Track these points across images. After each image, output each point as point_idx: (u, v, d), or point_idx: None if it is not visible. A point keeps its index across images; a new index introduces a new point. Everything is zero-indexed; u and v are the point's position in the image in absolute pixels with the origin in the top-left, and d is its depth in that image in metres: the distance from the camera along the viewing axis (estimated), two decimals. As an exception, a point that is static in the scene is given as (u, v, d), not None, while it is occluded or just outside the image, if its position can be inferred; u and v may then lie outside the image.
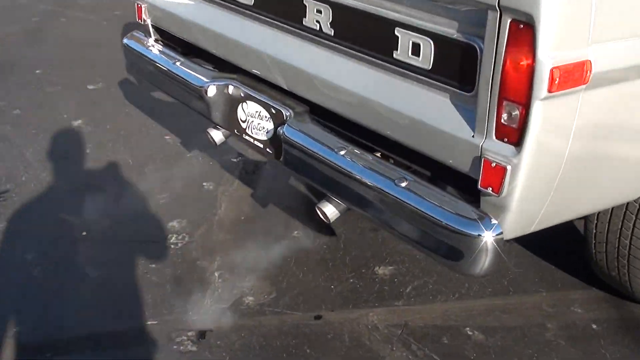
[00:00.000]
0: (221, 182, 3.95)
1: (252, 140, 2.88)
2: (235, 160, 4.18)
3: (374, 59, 2.34)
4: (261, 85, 2.88)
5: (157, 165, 4.08)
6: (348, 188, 2.38)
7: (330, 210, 2.56)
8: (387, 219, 2.26)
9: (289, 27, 2.67)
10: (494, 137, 2.00)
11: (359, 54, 2.39)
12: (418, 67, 2.21)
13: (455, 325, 2.88)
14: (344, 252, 3.32)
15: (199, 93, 3.05)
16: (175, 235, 3.45)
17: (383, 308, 2.98)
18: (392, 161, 2.43)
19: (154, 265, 3.22)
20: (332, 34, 2.49)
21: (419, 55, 2.20)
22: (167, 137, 4.45)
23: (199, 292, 3.06)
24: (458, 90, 2.12)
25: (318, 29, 2.54)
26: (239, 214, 3.63)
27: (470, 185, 2.14)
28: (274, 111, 2.73)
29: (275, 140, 2.75)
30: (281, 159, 2.72)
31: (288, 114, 2.68)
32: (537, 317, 2.92)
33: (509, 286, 3.12)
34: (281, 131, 2.64)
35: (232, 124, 2.97)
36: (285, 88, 2.73)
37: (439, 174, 2.34)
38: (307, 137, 2.55)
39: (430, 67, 2.18)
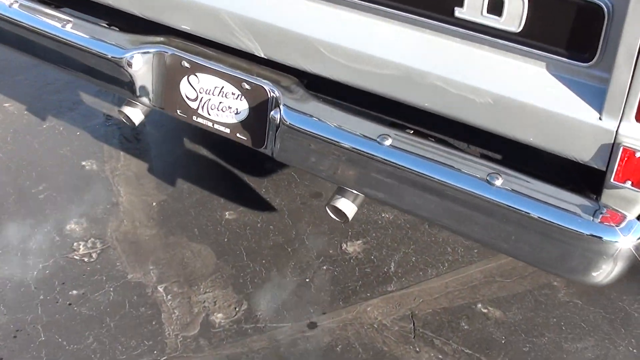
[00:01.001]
0: (104, 157, 3.14)
1: (209, 123, 2.21)
2: (107, 125, 3.35)
3: (433, 21, 1.78)
4: (211, 51, 2.17)
5: (8, 146, 3.14)
6: (409, 192, 1.86)
7: (348, 207, 2.02)
8: (476, 227, 1.79)
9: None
10: (635, 120, 1.58)
11: (412, 15, 1.81)
12: (500, 30, 1.69)
13: (465, 304, 2.54)
14: (297, 231, 2.77)
15: (116, 66, 2.27)
16: (82, 243, 2.67)
17: (378, 298, 2.55)
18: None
19: (74, 293, 2.46)
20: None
21: (500, 14, 1.68)
22: (7, 105, 3.45)
23: (152, 321, 2.38)
24: (567, 60, 1.65)
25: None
26: (147, 198, 2.90)
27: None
28: (247, 86, 2.08)
29: (253, 124, 2.12)
30: (266, 148, 2.10)
31: (272, 90, 2.04)
32: (539, 276, 2.65)
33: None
34: (275, 115, 2.01)
35: (172, 103, 2.27)
36: (262, 56, 2.06)
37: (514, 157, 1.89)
38: (324, 124, 1.95)
39: (519, 30, 1.67)
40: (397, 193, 1.90)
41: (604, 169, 1.66)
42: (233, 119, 2.16)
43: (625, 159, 1.61)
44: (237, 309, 2.46)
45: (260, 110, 2.09)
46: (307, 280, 2.60)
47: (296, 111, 1.99)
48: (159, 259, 2.65)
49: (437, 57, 1.81)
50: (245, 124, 2.14)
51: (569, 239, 1.68)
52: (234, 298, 2.51)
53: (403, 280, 2.63)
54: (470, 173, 1.77)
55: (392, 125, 1.97)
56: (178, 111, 2.26)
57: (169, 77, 2.23)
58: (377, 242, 2.79)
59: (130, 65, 2.24)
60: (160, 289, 2.52)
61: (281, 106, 2.01)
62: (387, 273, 2.66)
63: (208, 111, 2.20)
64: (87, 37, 2.36)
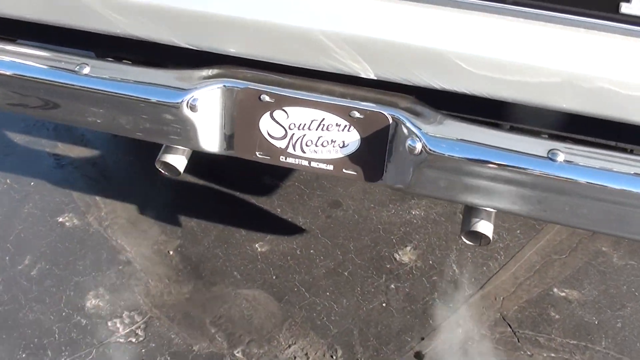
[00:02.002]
0: (80, 208, 2.68)
1: (305, 162, 1.92)
2: (61, 166, 2.86)
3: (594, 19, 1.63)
4: (293, 79, 1.87)
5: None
6: (587, 206, 1.72)
7: (488, 228, 1.88)
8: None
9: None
10: None
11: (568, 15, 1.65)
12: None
13: (542, 292, 2.50)
14: (341, 251, 2.58)
15: (174, 112, 1.89)
16: (118, 321, 2.27)
17: (462, 307, 2.42)
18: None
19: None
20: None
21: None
22: None
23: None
24: None
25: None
26: (159, 247, 2.54)
27: None
28: (358, 115, 1.82)
29: (366, 156, 1.86)
30: (383, 180, 1.86)
31: (394, 115, 1.79)
32: (587, 245, 2.64)
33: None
34: (414, 145, 1.75)
35: (249, 146, 1.95)
36: (372, 77, 1.80)
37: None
38: (481, 147, 1.74)
39: None
40: (574, 210, 1.76)
41: None
42: (338, 154, 1.88)
43: None
44: (333, 356, 2.20)
45: (376, 139, 1.84)
46: (384, 304, 2.40)
47: (441, 137, 1.75)
48: (217, 317, 2.31)
49: (602, 58, 1.66)
50: (354, 158, 1.88)
51: None
52: (322, 344, 2.26)
53: (474, 281, 2.51)
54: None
55: (552, 137, 1.80)
56: (258, 153, 1.93)
57: (244, 115, 1.89)
58: (425, 244, 2.63)
59: (193, 108, 1.87)
60: (239, 354, 2.19)
61: (417, 132, 1.76)
62: (455, 276, 2.52)
63: (302, 149, 1.89)
64: (122, 81, 1.93)
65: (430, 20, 1.72)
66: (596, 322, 2.40)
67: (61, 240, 2.56)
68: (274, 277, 2.47)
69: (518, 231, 2.73)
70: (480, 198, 1.83)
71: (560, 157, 1.71)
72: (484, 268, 2.57)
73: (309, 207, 2.76)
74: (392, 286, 2.47)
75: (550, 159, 1.71)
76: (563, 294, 2.49)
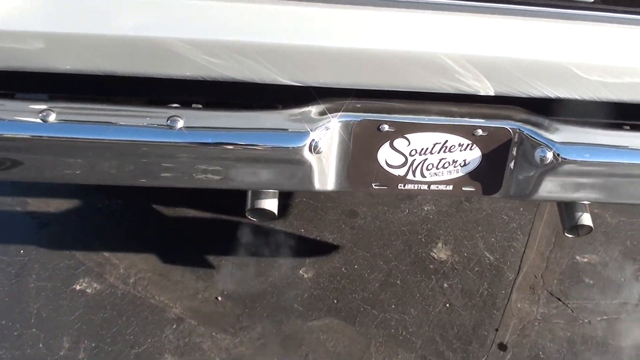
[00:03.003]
0: (93, 268, 2.46)
1: (424, 186, 1.95)
2: (42, 221, 2.62)
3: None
4: (407, 104, 1.89)
5: None
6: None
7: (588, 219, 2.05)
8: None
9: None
10: None
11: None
12: None
13: (567, 261, 2.76)
14: (382, 261, 2.63)
15: (295, 157, 1.83)
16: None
17: (514, 293, 2.57)
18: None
19: None
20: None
21: None
22: None
23: None
24: None
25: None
26: (203, 295, 2.46)
27: None
28: (482, 132, 1.88)
29: (487, 171, 1.93)
30: (501, 192, 1.95)
31: (517, 129, 1.88)
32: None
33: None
34: (544, 155, 1.85)
35: (365, 178, 1.93)
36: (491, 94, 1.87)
37: None
38: (607, 148, 1.89)
39: None
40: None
41: None
42: (459, 173, 1.93)
43: None
44: (429, 366, 2.27)
45: (497, 154, 1.90)
46: (447, 305, 2.49)
47: (570, 144, 1.86)
48: (303, 357, 2.25)
49: None
50: (474, 174, 1.94)
51: None
52: (414, 358, 2.29)
53: (510, 264, 2.67)
54: None
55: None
56: (374, 185, 1.92)
57: (361, 148, 1.86)
58: (452, 238, 2.75)
59: (316, 149, 1.81)
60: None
61: (547, 142, 1.86)
62: (492, 263, 2.67)
63: (422, 173, 1.92)
64: (231, 129, 1.81)
65: (547, 33, 1.81)
66: (622, 280, 2.67)
67: (92, 312, 2.32)
68: (335, 302, 2.45)
69: (521, 208, 2.92)
70: (598, 194, 1.96)
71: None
72: (512, 250, 2.74)
73: (329, 222, 2.74)
74: (445, 285, 2.56)
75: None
76: (585, 260, 2.73)
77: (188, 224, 2.68)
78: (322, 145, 1.81)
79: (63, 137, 1.73)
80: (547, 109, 1.93)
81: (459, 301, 2.51)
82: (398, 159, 1.89)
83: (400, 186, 1.94)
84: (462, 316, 2.46)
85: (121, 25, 1.69)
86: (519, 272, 2.65)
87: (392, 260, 2.62)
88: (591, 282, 2.65)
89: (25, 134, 1.73)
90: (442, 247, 2.70)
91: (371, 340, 2.34)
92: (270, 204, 1.98)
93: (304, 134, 1.80)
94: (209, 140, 1.78)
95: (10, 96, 1.78)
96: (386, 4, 1.76)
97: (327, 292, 2.48)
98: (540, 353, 2.36)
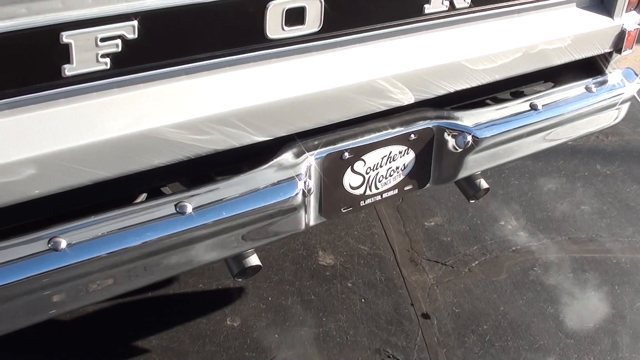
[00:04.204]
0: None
1: (378, 197, 2.27)
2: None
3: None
4: (359, 128, 2.18)
5: None
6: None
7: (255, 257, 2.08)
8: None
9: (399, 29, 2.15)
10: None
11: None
12: None
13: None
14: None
15: (291, 204, 2.04)
16: None
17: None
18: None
19: None
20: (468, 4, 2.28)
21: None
22: None
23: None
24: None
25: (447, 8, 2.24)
26: None
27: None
28: (413, 137, 2.26)
29: (418, 169, 2.30)
30: (430, 183, 2.34)
31: (437, 125, 2.29)
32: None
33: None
34: (466, 139, 2.28)
35: (335, 205, 2.19)
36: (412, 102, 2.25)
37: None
38: (507, 120, 2.38)
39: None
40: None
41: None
42: (400, 176, 2.28)
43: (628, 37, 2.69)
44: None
45: (425, 151, 2.29)
46: (362, 300, 2.80)
47: (479, 126, 2.31)
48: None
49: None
50: (410, 174, 2.29)
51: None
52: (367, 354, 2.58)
53: (382, 249, 3.07)
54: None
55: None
56: (342, 209, 2.18)
57: (330, 178, 2.11)
58: (325, 243, 3.06)
59: (309, 191, 2.03)
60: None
61: (464, 129, 2.27)
62: (370, 253, 3.05)
63: (376, 186, 2.23)
64: (230, 200, 1.92)
65: (440, 42, 2.21)
66: (468, 228, 3.23)
67: None
68: (276, 335, 2.60)
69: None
70: (502, 158, 2.41)
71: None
72: (376, 236, 3.13)
73: (218, 270, 2.83)
74: (349, 284, 2.86)
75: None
76: (432, 223, 3.24)
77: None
78: (312, 185, 1.99)
79: (83, 260, 1.66)
80: (444, 102, 2.33)
81: (369, 293, 2.82)
82: (358, 180, 2.14)
83: (362, 203, 2.19)
84: (379, 305, 2.78)
85: (108, 128, 1.68)
86: (394, 252, 3.05)
87: (293, 281, 2.83)
88: (448, 239, 3.16)
89: (43, 270, 1.62)
90: (324, 254, 2.98)
91: (327, 353, 2.55)
92: (255, 259, 2.07)
93: (294, 182, 1.96)
94: (223, 215, 1.84)
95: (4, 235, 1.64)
96: (309, 50, 1.99)
97: (261, 330, 2.61)
98: (454, 308, 2.80)
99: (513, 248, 3.15)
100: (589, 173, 3.69)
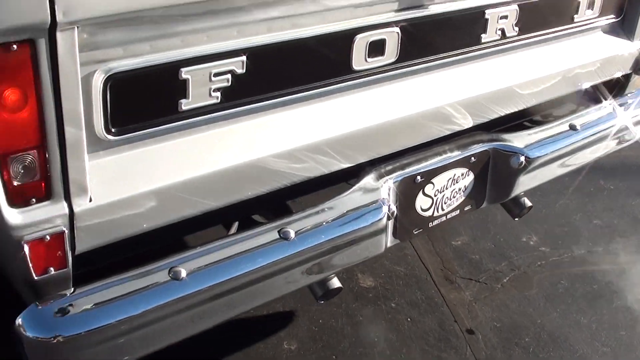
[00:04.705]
0: None
1: (443, 218, 2.36)
2: None
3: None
4: (425, 153, 2.26)
5: None
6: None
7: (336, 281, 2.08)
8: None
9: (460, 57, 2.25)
10: None
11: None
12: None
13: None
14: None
15: (376, 227, 2.10)
16: None
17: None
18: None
19: None
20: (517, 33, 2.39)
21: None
22: None
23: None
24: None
25: (500, 37, 2.34)
26: None
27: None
28: (474, 159, 2.34)
29: (476, 190, 2.38)
30: (485, 202, 2.42)
31: (494, 148, 2.38)
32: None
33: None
34: (520, 160, 2.36)
35: (409, 228, 2.26)
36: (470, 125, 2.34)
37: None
38: (554, 141, 2.49)
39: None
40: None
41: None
42: (462, 197, 2.36)
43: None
44: None
45: (482, 173, 2.38)
46: (409, 319, 2.86)
47: (530, 146, 2.40)
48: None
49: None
50: (470, 195, 2.37)
51: None
52: None
53: (417, 269, 3.13)
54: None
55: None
56: (414, 231, 2.24)
57: (404, 202, 2.17)
58: (362, 265, 3.10)
59: (392, 214, 2.10)
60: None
61: (517, 151, 2.36)
62: (407, 273, 3.10)
63: (442, 207, 2.31)
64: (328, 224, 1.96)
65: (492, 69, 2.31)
66: (493, 246, 3.32)
67: None
68: (334, 357, 2.63)
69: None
70: (561, 171, 2.51)
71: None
72: (408, 257, 3.20)
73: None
74: (393, 305, 2.90)
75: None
76: (459, 242, 3.32)
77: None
78: (394, 208, 2.05)
79: (202, 288, 1.68)
80: (493, 125, 2.42)
81: (413, 312, 2.88)
82: (428, 202, 2.21)
83: (430, 224, 2.26)
84: (425, 323, 2.84)
85: (218, 160, 1.72)
86: (428, 271, 3.12)
87: (340, 303, 2.87)
88: (476, 256, 3.24)
89: (165, 300, 1.64)
90: (363, 276, 3.03)
91: (388, 373, 2.60)
92: (337, 281, 2.11)
93: (379, 205, 2.02)
94: (322, 239, 1.88)
95: (126, 267, 1.66)
96: (387, 79, 2.06)
97: (318, 352, 2.64)
98: (495, 323, 2.87)
99: (538, 263, 3.25)
100: (594, 189, 3.82)
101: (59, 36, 1.37)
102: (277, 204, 2.05)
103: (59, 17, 1.34)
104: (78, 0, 1.36)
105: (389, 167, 2.09)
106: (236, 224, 2.01)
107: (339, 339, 2.73)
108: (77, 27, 1.39)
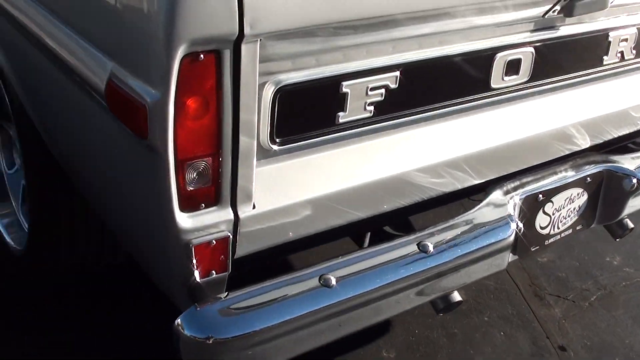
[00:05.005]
0: None
1: (557, 237, 2.34)
2: None
3: None
4: (545, 172, 2.25)
5: None
6: None
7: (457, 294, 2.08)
8: None
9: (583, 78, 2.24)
10: None
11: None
12: None
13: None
14: None
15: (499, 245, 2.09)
16: None
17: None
18: None
19: None
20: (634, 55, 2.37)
21: None
22: None
23: None
24: None
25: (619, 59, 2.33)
26: None
27: None
28: (589, 180, 2.33)
29: (588, 209, 2.36)
30: (597, 222, 2.41)
31: (608, 169, 2.37)
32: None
33: None
34: (632, 182, 2.35)
35: (528, 244, 2.24)
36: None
37: None
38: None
39: None
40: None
41: None
42: (575, 217, 2.35)
43: None
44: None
45: (595, 193, 2.36)
46: (502, 333, 2.85)
47: (640, 168, 2.38)
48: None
49: None
50: (582, 215, 2.35)
51: None
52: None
53: (505, 284, 3.12)
54: None
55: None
56: (532, 248, 2.24)
57: (525, 219, 2.16)
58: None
59: (520, 231, 2.09)
60: None
61: (630, 173, 2.34)
62: (497, 287, 3.09)
63: (558, 226, 2.30)
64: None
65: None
66: (578, 264, 3.29)
67: None
68: (431, 367, 2.64)
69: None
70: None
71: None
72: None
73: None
74: (486, 319, 2.90)
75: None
76: (545, 259, 3.29)
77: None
78: (521, 225, 2.05)
79: (352, 295, 1.70)
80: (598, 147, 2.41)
81: (505, 326, 2.87)
82: (546, 220, 2.21)
83: (546, 242, 2.25)
84: (518, 338, 2.82)
85: (369, 171, 1.74)
86: (518, 287, 3.10)
87: (434, 315, 2.85)
88: (563, 274, 3.22)
89: (318, 306, 1.66)
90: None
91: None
92: (458, 294, 2.12)
93: (507, 222, 2.02)
94: (457, 253, 1.89)
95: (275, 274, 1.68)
96: (519, 98, 2.07)
97: (417, 361, 2.65)
98: (586, 341, 2.85)
99: (623, 283, 3.22)
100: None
101: (244, 48, 1.40)
102: (403, 217, 2.06)
103: (247, 29, 1.37)
104: (264, 13, 1.39)
105: (514, 184, 2.09)
106: (368, 235, 2.02)
107: (435, 349, 2.73)
108: (260, 40, 1.42)
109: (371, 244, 1.92)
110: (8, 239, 2.76)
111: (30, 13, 1.88)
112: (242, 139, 1.48)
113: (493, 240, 1.97)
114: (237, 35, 1.37)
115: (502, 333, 2.84)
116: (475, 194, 2.10)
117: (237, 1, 1.34)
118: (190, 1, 1.30)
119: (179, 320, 1.56)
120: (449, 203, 2.10)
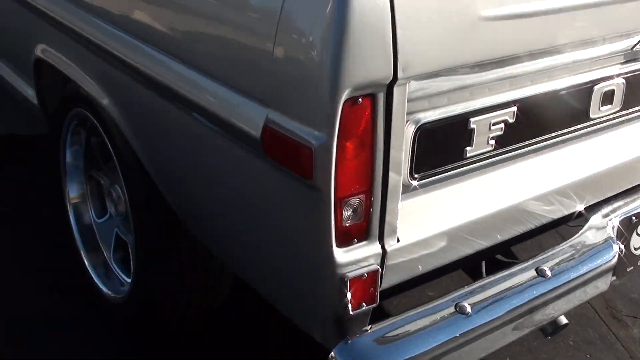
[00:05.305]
0: None
1: None
2: None
3: None
4: (631, 194, 2.33)
5: None
6: None
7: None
8: None
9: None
10: None
11: None
12: None
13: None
14: None
15: (607, 267, 2.15)
16: None
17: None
18: None
19: None
20: None
21: None
22: None
23: None
24: None
25: None
26: None
27: None
28: None
29: None
30: None
31: None
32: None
33: None
34: None
35: (625, 265, 2.30)
36: None
37: None
38: None
39: None
40: None
41: None
42: None
43: None
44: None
45: None
46: (588, 356, 2.89)
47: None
48: None
49: None
50: None
51: None
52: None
53: (583, 305, 3.16)
54: None
55: None
56: (627, 269, 2.29)
57: (625, 241, 2.22)
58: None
59: (622, 253, 2.15)
60: None
61: None
62: (577, 312, 3.13)
63: None
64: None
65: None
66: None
67: None
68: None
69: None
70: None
71: None
72: None
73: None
74: (570, 342, 2.94)
75: None
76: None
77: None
78: (623, 247, 2.12)
79: (486, 321, 1.76)
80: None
81: (590, 349, 2.92)
82: (639, 242, 2.26)
83: (639, 263, 2.31)
84: (603, 360, 2.87)
85: (494, 202, 1.82)
86: (595, 310, 3.15)
87: (521, 342, 2.91)
88: (636, 295, 3.27)
89: (457, 333, 1.72)
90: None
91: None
92: (564, 318, 2.17)
93: (610, 244, 2.09)
94: (571, 276, 1.96)
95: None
96: (611, 126, 2.15)
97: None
98: (670, 362, 2.90)
99: (694, 301, 3.27)
100: None
101: (396, 90, 1.49)
102: (514, 244, 2.13)
103: (400, 73, 1.47)
104: (414, 57, 1.49)
105: (610, 208, 2.16)
106: (483, 264, 2.09)
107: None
108: (409, 82, 1.51)
109: (488, 272, 1.99)
110: (105, 290, 2.80)
111: (161, 66, 1.94)
112: (391, 176, 1.56)
113: (600, 262, 2.03)
114: (391, 78, 1.46)
115: (588, 356, 2.89)
116: (572, 220, 2.17)
117: (392, 47, 1.44)
118: (354, 49, 1.39)
119: (332, 354, 1.62)
120: (551, 229, 2.17)
